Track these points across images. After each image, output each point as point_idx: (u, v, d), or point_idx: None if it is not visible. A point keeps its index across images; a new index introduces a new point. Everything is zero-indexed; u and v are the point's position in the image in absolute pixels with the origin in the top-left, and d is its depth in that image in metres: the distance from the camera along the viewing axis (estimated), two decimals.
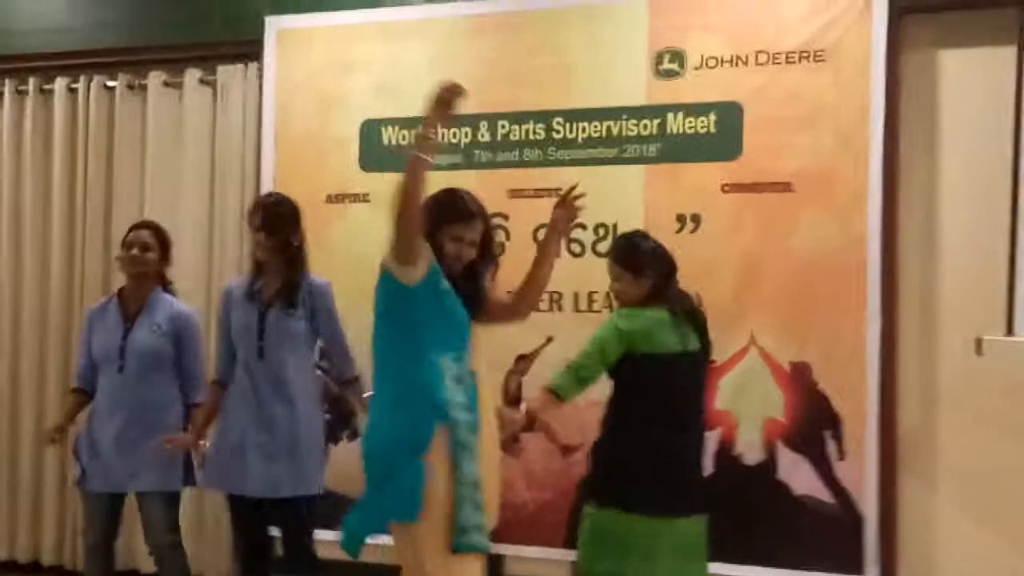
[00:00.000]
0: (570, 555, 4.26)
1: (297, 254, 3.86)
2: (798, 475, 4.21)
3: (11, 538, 5.39)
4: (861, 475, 4.15)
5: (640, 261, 3.63)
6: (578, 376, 3.51)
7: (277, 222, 3.83)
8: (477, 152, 4.65)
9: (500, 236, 4.55)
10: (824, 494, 4.18)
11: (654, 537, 3.48)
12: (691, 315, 3.66)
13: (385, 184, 4.63)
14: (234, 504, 3.90)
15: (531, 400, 3.61)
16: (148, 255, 4.08)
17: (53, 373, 5.29)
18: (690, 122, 4.39)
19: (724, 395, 4.29)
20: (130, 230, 4.17)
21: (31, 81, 5.37)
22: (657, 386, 3.52)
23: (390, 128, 4.77)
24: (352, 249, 4.63)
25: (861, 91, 4.17)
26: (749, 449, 4.27)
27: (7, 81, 5.41)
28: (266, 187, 4.86)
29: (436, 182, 4.53)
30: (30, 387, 5.31)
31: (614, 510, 3.49)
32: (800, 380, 4.22)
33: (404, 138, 4.73)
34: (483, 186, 4.53)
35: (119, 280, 5.08)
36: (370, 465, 3.06)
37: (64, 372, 5.23)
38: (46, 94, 5.39)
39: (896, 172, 4.18)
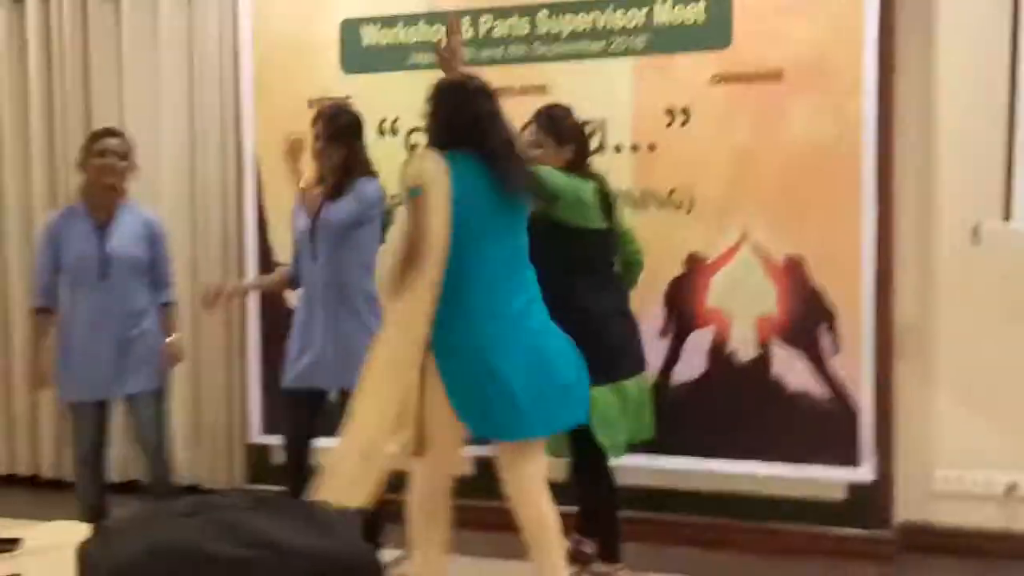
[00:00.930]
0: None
1: None
2: (793, 370, 4.16)
3: (10, 453, 5.41)
4: (857, 368, 4.10)
5: (564, 131, 3.69)
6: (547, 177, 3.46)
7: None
8: None
9: None
10: (819, 389, 4.14)
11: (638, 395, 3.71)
12: (607, 192, 3.72)
13: (367, 86, 4.55)
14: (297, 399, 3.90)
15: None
16: (123, 163, 4.01)
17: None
18: (679, 10, 4.25)
19: (716, 292, 4.23)
20: (98, 137, 4.07)
21: None
22: (587, 256, 3.64)
23: (371, 27, 4.63)
24: None
25: None
26: (743, 346, 4.22)
27: None
28: (246, 92, 4.76)
29: (419, 82, 4.48)
30: (21, 304, 5.27)
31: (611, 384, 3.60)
32: (794, 274, 4.14)
33: (385, 38, 4.60)
34: None
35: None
36: None
37: None
38: (19, 4, 5.24)
39: (892, 58, 4.05)
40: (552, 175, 3.48)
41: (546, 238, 3.44)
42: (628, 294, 3.84)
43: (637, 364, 3.75)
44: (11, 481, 5.40)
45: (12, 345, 5.33)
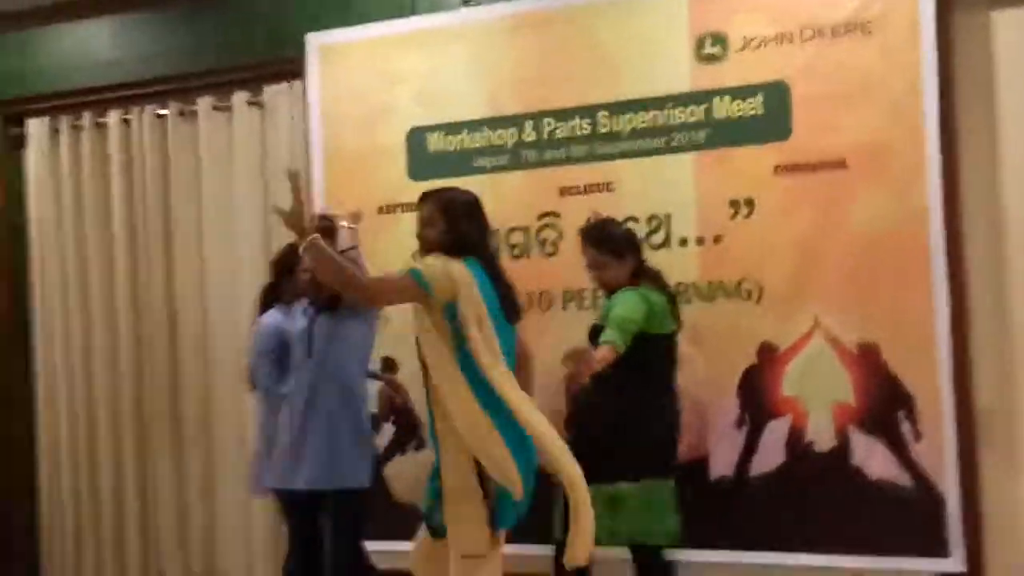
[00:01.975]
0: None
1: None
2: (873, 459, 4.08)
3: (98, 563, 5.48)
4: (940, 455, 4.00)
5: (621, 245, 3.93)
6: (626, 330, 3.69)
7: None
8: (524, 152, 4.61)
9: (551, 235, 4.54)
10: (902, 477, 4.05)
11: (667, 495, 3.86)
12: (673, 297, 3.97)
13: None
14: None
15: (595, 357, 3.68)
16: None
17: (126, 404, 5.38)
18: (737, 105, 4.29)
19: (790, 381, 4.18)
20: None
21: (85, 115, 5.48)
22: (659, 363, 3.88)
23: (436, 135, 4.75)
24: (404, 258, 4.59)
25: (912, 59, 4.03)
26: (820, 435, 4.15)
27: (63, 118, 5.53)
28: (317, 202, 4.89)
29: (484, 185, 4.59)
30: (106, 417, 5.41)
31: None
32: (868, 361, 4.09)
33: (450, 143, 4.71)
34: (532, 186, 4.58)
35: (184, 307, 5.21)
36: None
37: (135, 401, 5.33)
38: (101, 127, 5.49)
39: (954, 140, 4.04)
40: (630, 310, 3.73)
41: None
42: (677, 399, 3.97)
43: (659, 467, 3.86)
44: None
45: (98, 461, 5.42)
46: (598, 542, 3.74)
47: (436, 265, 3.25)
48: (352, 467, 3.85)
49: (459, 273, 3.24)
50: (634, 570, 3.86)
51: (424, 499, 3.45)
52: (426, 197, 3.45)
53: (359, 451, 3.89)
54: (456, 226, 3.34)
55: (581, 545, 3.20)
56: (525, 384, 3.46)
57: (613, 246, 3.91)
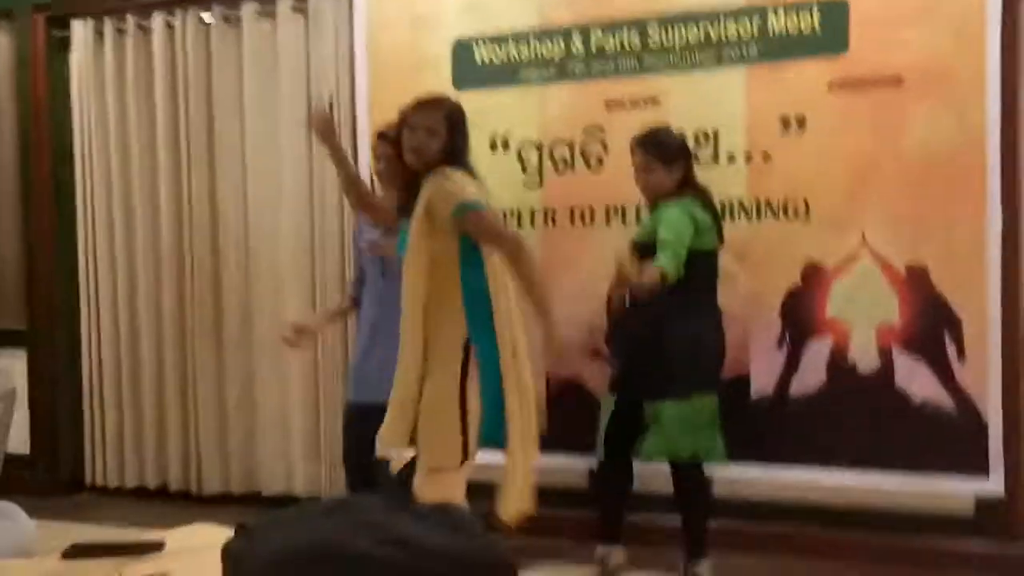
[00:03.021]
0: None
1: None
2: (917, 380, 4.06)
3: (139, 466, 5.59)
4: (984, 378, 3.98)
5: (672, 152, 3.88)
6: (679, 255, 3.66)
7: None
8: (571, 64, 4.54)
9: (596, 149, 4.49)
10: (945, 399, 4.03)
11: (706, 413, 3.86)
12: (718, 215, 3.95)
13: (479, 102, 4.60)
14: None
15: (644, 283, 3.66)
16: None
17: (167, 310, 5.42)
18: (793, 18, 4.20)
19: (835, 301, 4.15)
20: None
21: (129, 20, 5.44)
22: (700, 280, 3.82)
23: (482, 46, 4.69)
24: None
25: None
26: (863, 356, 4.13)
27: (107, 21, 5.49)
28: (361, 111, 4.86)
29: (530, 97, 4.55)
30: (147, 318, 5.46)
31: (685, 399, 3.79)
32: (916, 283, 4.05)
33: (496, 54, 4.65)
34: (579, 99, 4.52)
35: (225, 215, 5.23)
36: None
37: (178, 302, 5.38)
38: (144, 32, 5.45)
39: (1016, 61, 3.94)
40: (680, 232, 3.69)
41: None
42: (720, 315, 3.94)
43: (703, 384, 3.84)
44: (140, 493, 5.58)
45: (141, 362, 5.51)
46: (646, 456, 3.79)
47: (470, 187, 3.16)
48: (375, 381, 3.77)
49: (474, 190, 3.17)
50: (674, 483, 3.88)
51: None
52: (428, 105, 3.25)
53: (379, 366, 3.76)
54: (456, 139, 3.22)
55: (512, 504, 3.15)
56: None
57: (663, 151, 3.86)
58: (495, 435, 3.13)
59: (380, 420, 3.28)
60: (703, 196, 3.90)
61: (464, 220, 3.10)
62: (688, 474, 3.85)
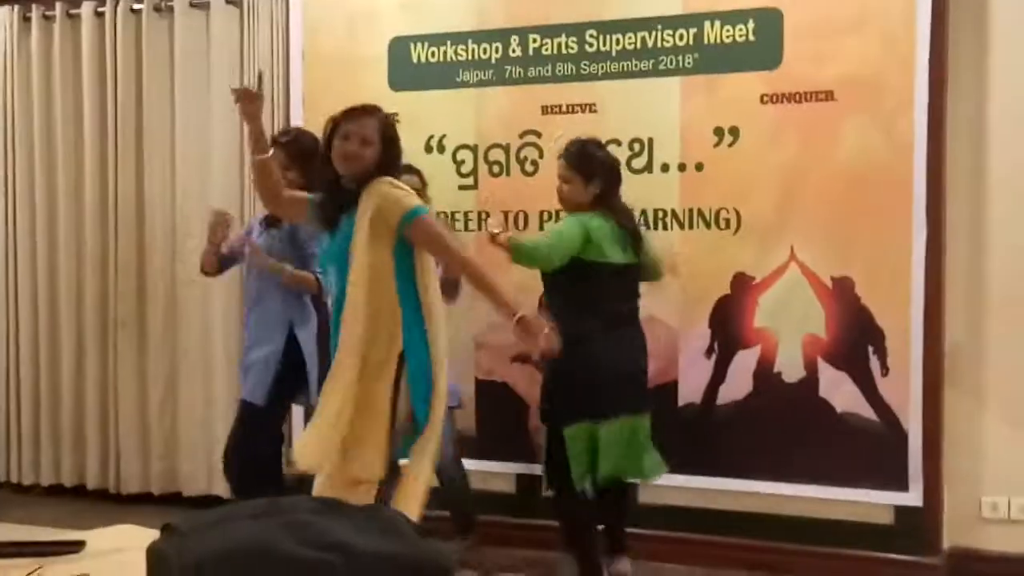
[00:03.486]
0: None
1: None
2: (840, 392, 4.13)
3: (56, 463, 5.46)
4: (906, 391, 4.06)
5: (592, 167, 3.76)
6: (534, 252, 3.63)
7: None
8: (508, 68, 4.53)
9: (532, 154, 4.48)
10: (867, 411, 4.10)
11: (620, 435, 3.71)
12: (630, 228, 3.78)
13: (415, 103, 4.57)
14: None
15: (497, 238, 3.65)
16: None
17: (90, 298, 5.30)
18: (727, 30, 4.24)
19: (764, 312, 4.20)
20: None
21: (57, 6, 5.31)
22: (600, 293, 3.68)
23: (419, 45, 4.66)
24: None
25: None
26: (789, 366, 4.18)
27: (34, 7, 5.36)
28: (295, 108, 4.81)
29: (466, 99, 4.53)
30: (68, 312, 5.34)
31: (587, 423, 3.66)
32: (842, 295, 4.11)
33: (434, 55, 4.62)
34: (515, 103, 4.51)
35: (152, 207, 5.13)
36: None
37: (100, 296, 5.26)
38: (73, 19, 5.33)
39: (944, 77, 4.02)
40: (562, 229, 3.67)
41: (559, 273, 3.65)
42: (642, 333, 3.86)
43: (628, 405, 3.74)
44: (57, 491, 5.45)
45: (60, 357, 5.37)
46: (588, 478, 3.73)
47: (412, 193, 3.16)
48: (251, 382, 3.92)
49: (414, 198, 3.16)
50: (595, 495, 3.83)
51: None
52: (361, 113, 3.19)
53: (260, 368, 3.90)
54: (390, 148, 3.18)
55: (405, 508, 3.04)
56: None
57: (583, 164, 3.75)
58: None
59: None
60: (617, 214, 3.77)
61: (412, 226, 3.07)
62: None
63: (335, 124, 3.18)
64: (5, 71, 5.43)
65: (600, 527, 3.90)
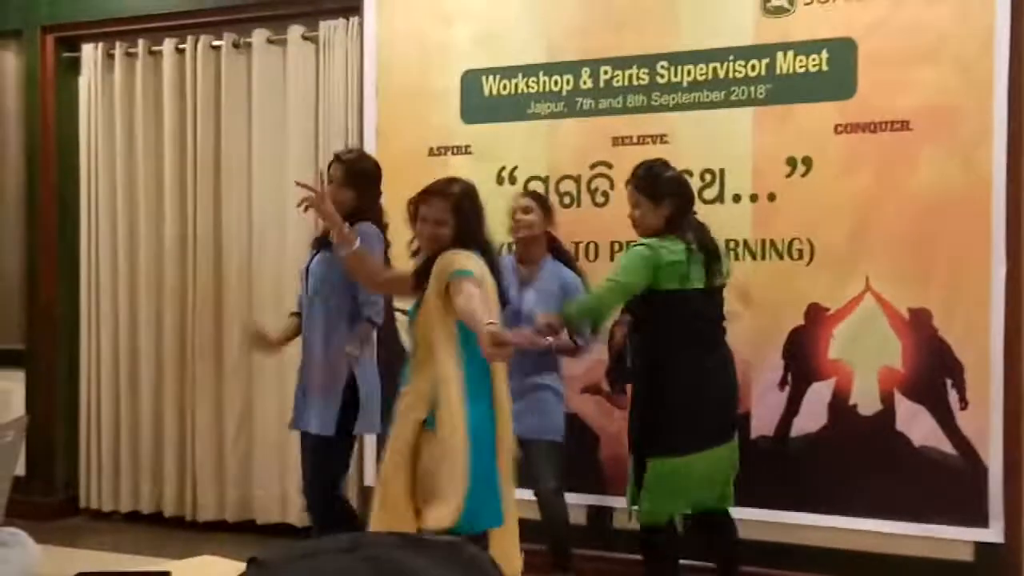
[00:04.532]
0: None
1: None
2: (918, 426, 4.06)
3: (134, 490, 5.57)
4: (986, 425, 3.98)
5: (660, 189, 3.69)
6: (583, 313, 3.68)
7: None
8: (579, 99, 4.56)
9: (603, 185, 4.50)
10: (946, 445, 4.03)
11: (708, 467, 3.67)
12: (708, 248, 3.71)
13: (487, 135, 4.63)
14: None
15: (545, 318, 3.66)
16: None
17: (169, 327, 5.42)
18: (801, 61, 4.23)
19: (838, 344, 4.16)
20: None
21: (140, 43, 5.47)
22: (683, 321, 3.62)
23: (491, 78, 4.71)
24: None
25: (984, 20, 3.96)
26: (865, 399, 4.13)
27: (117, 43, 5.52)
28: (369, 141, 4.87)
29: (538, 131, 4.56)
30: (147, 341, 5.45)
31: (673, 457, 3.61)
32: (919, 327, 4.05)
33: (505, 88, 4.67)
34: (586, 134, 4.53)
35: (229, 239, 5.23)
36: None
37: (179, 325, 5.37)
38: (155, 55, 5.48)
39: (1022, 106, 3.95)
40: (623, 268, 3.63)
41: (641, 304, 3.64)
42: (731, 354, 3.82)
43: (716, 436, 3.71)
44: (136, 518, 5.56)
45: (139, 385, 5.49)
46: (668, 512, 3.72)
47: (472, 262, 3.28)
48: (318, 414, 3.86)
49: (473, 264, 3.29)
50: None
51: None
52: (435, 195, 3.37)
53: (323, 399, 3.86)
54: (464, 223, 3.35)
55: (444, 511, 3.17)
56: None
57: (650, 187, 3.70)
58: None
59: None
60: (698, 232, 3.72)
61: (452, 284, 3.21)
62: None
63: (415, 206, 3.41)
64: (89, 106, 5.60)
65: (711, 564, 3.88)
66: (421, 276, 3.39)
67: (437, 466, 3.19)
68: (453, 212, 3.34)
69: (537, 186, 4.57)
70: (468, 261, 3.28)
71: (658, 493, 3.66)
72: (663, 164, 3.82)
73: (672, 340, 3.65)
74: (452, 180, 3.46)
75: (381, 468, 3.40)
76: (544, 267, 4.13)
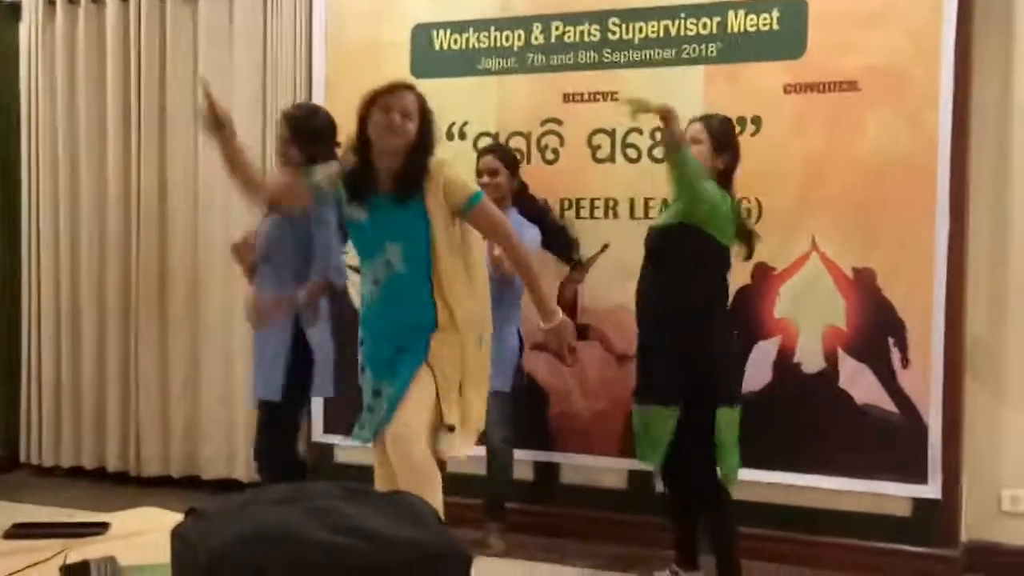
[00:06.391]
0: (623, 463, 4.28)
1: None
2: (860, 384, 4.12)
3: (76, 445, 5.51)
4: (926, 384, 4.04)
5: (727, 139, 3.71)
6: (698, 171, 3.51)
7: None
8: (530, 55, 4.53)
9: (553, 142, 4.48)
10: (887, 403, 4.09)
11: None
12: (742, 219, 3.80)
13: (436, 90, 4.55)
14: None
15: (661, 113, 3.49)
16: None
17: (112, 282, 5.34)
18: (752, 19, 4.22)
19: (784, 302, 4.20)
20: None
21: None
22: (722, 274, 3.69)
23: (441, 32, 4.66)
24: None
25: None
26: (809, 357, 4.18)
27: None
28: (317, 94, 4.81)
29: (488, 87, 4.53)
30: (89, 295, 5.37)
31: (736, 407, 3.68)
32: (863, 286, 4.10)
33: (456, 42, 4.63)
34: (537, 90, 4.51)
35: (174, 192, 5.15)
36: None
37: (123, 281, 5.30)
38: (98, 4, 5.36)
39: (969, 69, 3.99)
40: (711, 185, 3.58)
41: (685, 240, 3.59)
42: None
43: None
44: (78, 473, 5.50)
45: (81, 340, 5.41)
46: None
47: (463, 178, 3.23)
48: (264, 379, 3.80)
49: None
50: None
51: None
52: (402, 87, 3.21)
53: (270, 364, 3.77)
54: (429, 123, 3.19)
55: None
56: None
57: (720, 133, 3.69)
58: None
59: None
60: (734, 198, 3.74)
61: (475, 210, 3.13)
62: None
63: (374, 98, 3.16)
64: (30, 55, 5.46)
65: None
66: (365, 184, 3.17)
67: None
68: (419, 105, 3.17)
69: (486, 142, 4.53)
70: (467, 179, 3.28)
71: (735, 443, 3.66)
72: (733, 124, 3.84)
73: (716, 290, 3.69)
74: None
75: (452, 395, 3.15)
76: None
